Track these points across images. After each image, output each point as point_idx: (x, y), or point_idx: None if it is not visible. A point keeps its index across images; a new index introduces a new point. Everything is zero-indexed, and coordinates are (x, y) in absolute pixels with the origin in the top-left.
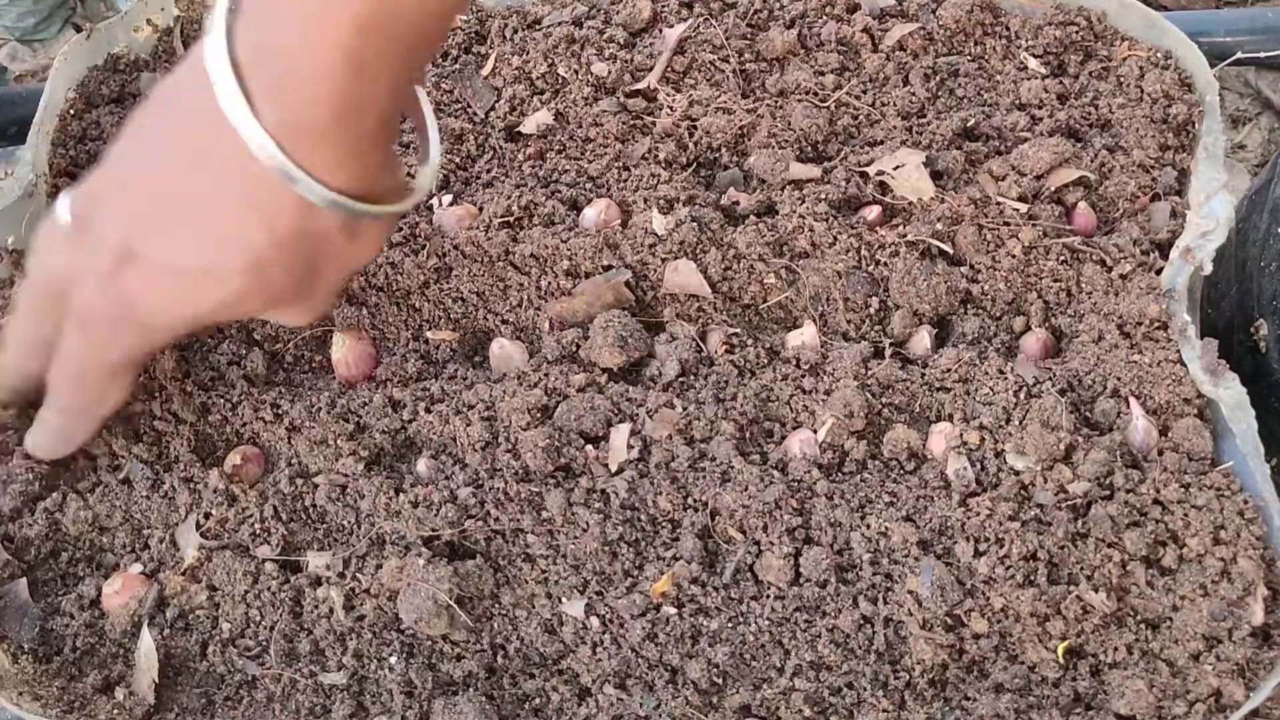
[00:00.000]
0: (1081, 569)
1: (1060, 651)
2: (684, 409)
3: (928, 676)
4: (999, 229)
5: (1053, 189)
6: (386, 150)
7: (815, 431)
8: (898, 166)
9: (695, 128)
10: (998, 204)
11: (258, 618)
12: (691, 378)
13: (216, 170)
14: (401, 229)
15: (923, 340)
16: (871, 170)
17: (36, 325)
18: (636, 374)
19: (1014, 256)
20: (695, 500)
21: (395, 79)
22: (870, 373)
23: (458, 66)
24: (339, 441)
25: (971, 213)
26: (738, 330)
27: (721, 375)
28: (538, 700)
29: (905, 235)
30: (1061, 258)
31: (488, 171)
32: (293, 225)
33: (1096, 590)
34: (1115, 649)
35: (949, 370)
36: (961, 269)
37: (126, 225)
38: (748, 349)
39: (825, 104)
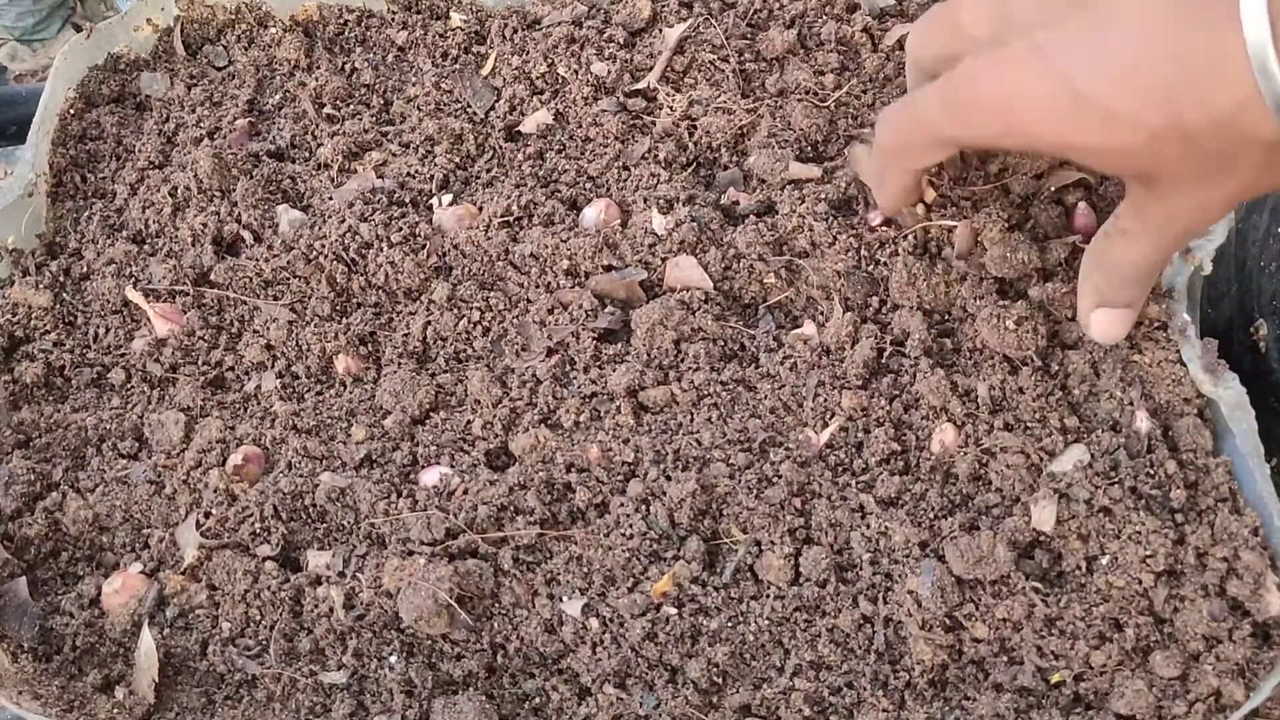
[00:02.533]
0: (1080, 569)
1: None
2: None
3: (927, 677)
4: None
5: (1052, 189)
6: None
7: (817, 432)
8: None
9: (695, 127)
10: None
11: (258, 617)
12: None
13: (1191, 26)
14: (401, 229)
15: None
16: None
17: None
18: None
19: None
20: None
21: None
22: (871, 373)
23: (457, 66)
24: (340, 441)
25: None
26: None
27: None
28: (538, 700)
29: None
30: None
31: (487, 171)
32: (1223, 112)
33: (1097, 591)
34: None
35: (949, 368)
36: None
37: (1053, 26)
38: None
39: (825, 104)
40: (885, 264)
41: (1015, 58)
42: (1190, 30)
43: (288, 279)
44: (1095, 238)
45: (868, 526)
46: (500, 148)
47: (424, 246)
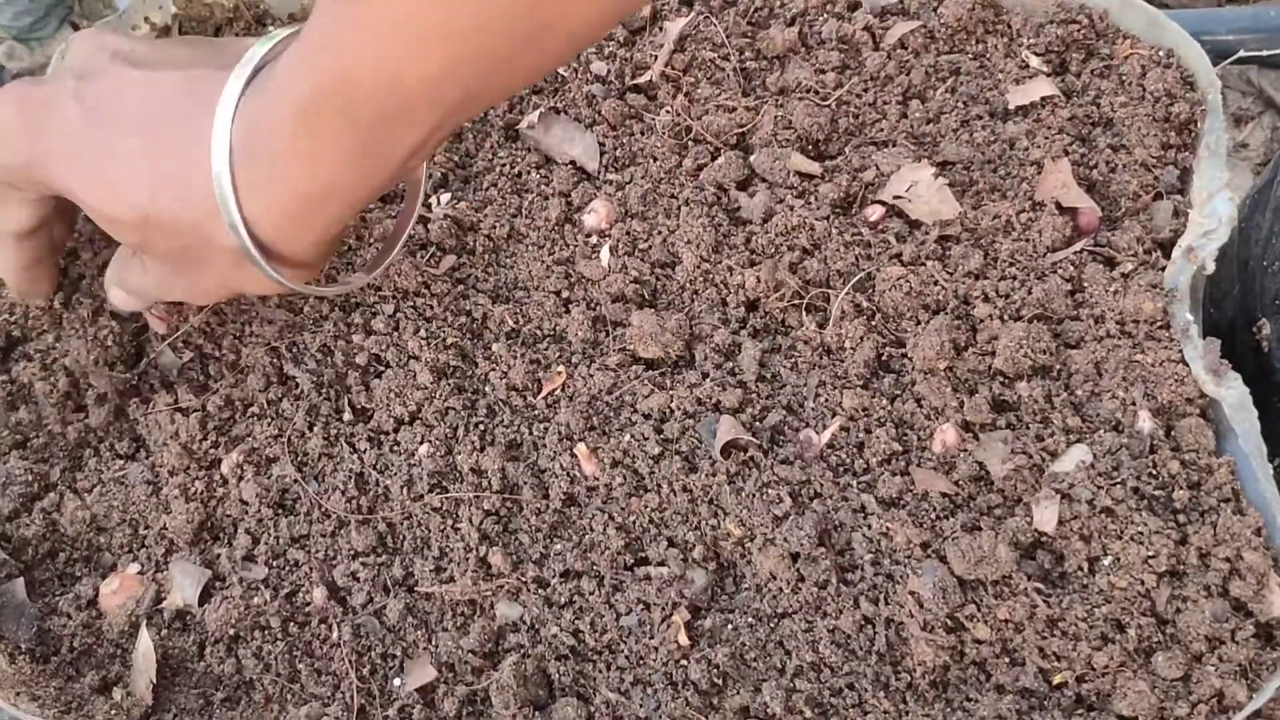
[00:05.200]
0: (1084, 571)
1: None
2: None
3: (929, 678)
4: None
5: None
6: (331, 233)
7: (819, 432)
8: (910, 186)
9: (695, 126)
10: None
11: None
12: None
13: (177, 127)
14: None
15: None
16: (887, 197)
17: None
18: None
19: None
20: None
21: (346, 155)
22: (873, 372)
23: None
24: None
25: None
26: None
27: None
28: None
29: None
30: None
31: (487, 170)
32: (194, 224)
33: (1099, 592)
34: (1115, 657)
35: (950, 368)
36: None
37: (82, 95)
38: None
39: (827, 102)
40: (885, 263)
41: (52, 96)
42: (174, 141)
43: None
44: (119, 251)
45: (869, 527)
46: (499, 146)
47: (425, 246)
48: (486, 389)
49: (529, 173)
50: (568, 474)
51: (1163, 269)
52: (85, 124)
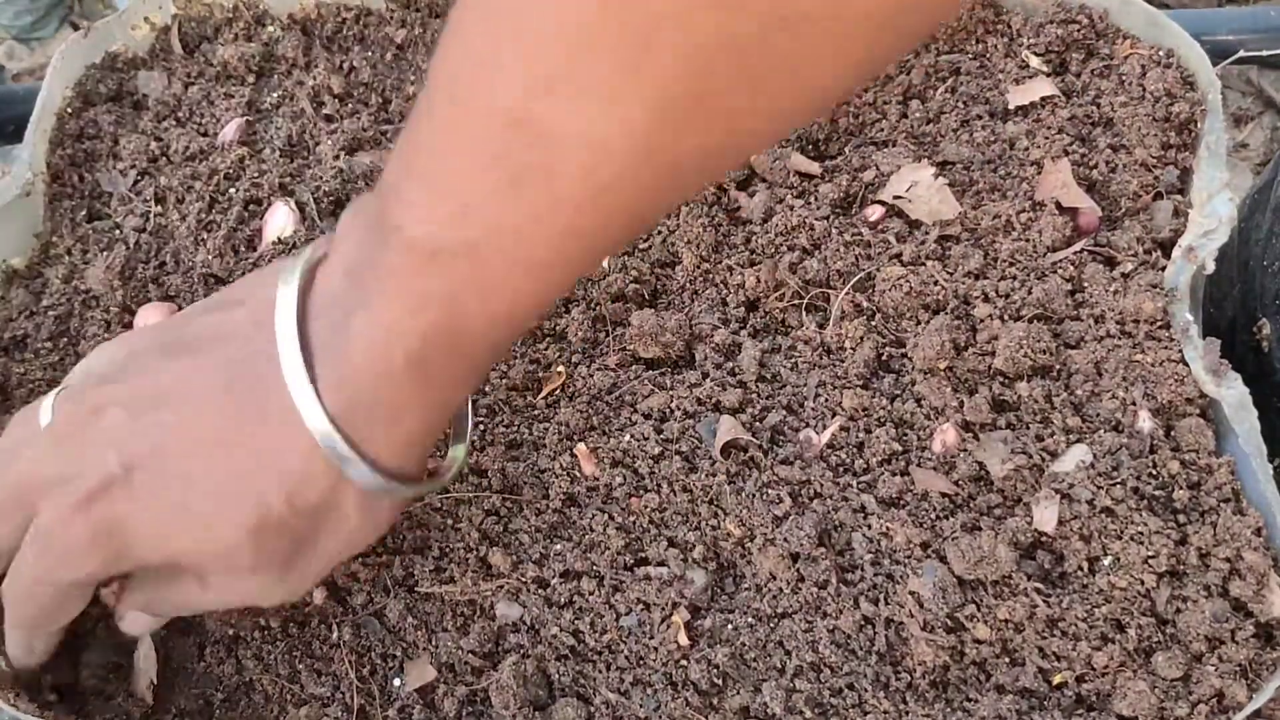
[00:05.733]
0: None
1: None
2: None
3: (929, 678)
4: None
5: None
6: (435, 437)
7: (819, 432)
8: (910, 186)
9: None
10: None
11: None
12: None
13: (254, 423)
14: None
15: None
16: (887, 197)
17: None
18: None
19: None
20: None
21: (459, 382)
22: (873, 372)
23: None
24: None
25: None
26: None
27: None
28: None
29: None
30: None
31: None
32: (316, 498)
33: (1099, 592)
34: (1115, 657)
35: (949, 368)
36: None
37: (131, 443)
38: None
39: None
40: (885, 263)
41: (98, 489)
42: (256, 440)
43: None
44: (138, 581)
45: (869, 527)
46: None
47: None
48: (486, 389)
49: None
50: (568, 474)
51: (1163, 269)
52: (153, 496)
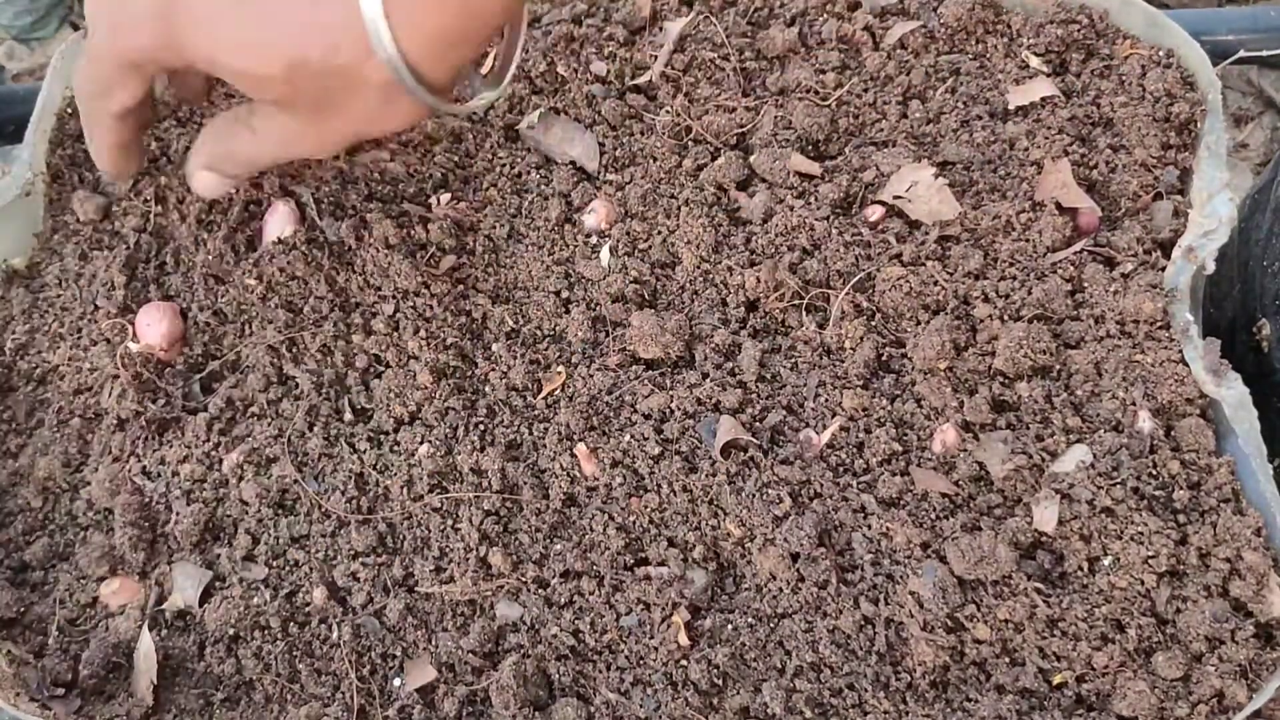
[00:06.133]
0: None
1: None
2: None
3: (929, 678)
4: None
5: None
6: (468, 54)
7: (819, 432)
8: (910, 186)
9: (695, 126)
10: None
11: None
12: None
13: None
14: (403, 227)
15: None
16: (887, 197)
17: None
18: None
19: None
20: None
21: None
22: (873, 372)
23: None
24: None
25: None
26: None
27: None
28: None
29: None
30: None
31: (487, 170)
32: (348, 59)
33: (1099, 592)
34: (1115, 657)
35: (949, 368)
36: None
37: None
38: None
39: (827, 103)
40: (886, 264)
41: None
42: None
43: (286, 282)
44: (224, 117)
45: (869, 527)
46: (499, 146)
47: (425, 245)
48: (486, 389)
49: (529, 173)
50: (568, 474)
51: (1163, 269)
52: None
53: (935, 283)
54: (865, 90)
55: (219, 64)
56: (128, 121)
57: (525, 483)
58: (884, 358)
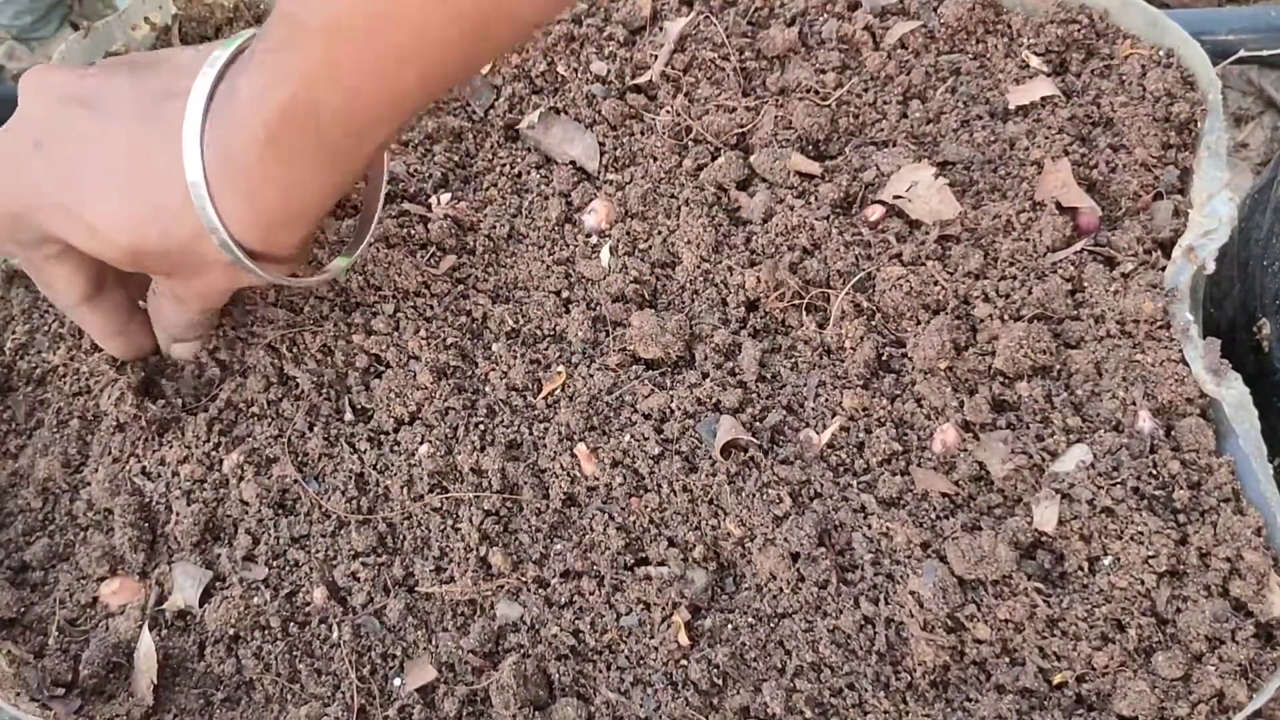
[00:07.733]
0: (1084, 571)
1: (1057, 680)
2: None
3: (929, 678)
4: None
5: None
6: (302, 233)
7: (819, 432)
8: (910, 186)
9: (695, 126)
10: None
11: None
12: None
13: (157, 143)
14: (403, 226)
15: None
16: (887, 197)
17: None
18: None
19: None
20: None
21: (316, 168)
22: (873, 372)
23: None
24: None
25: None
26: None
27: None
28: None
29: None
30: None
31: (487, 170)
32: (187, 237)
33: (1100, 592)
34: (1115, 657)
35: (950, 368)
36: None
37: (49, 126)
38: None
39: (827, 102)
40: (886, 263)
41: (15, 155)
42: (146, 178)
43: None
44: (151, 299)
45: (869, 527)
46: (499, 146)
47: (425, 245)
48: (486, 389)
49: (529, 173)
50: (568, 474)
51: (1163, 269)
52: (55, 180)
53: (935, 282)
54: (865, 90)
55: (78, 246)
56: (104, 307)
57: (525, 482)
58: (884, 357)
